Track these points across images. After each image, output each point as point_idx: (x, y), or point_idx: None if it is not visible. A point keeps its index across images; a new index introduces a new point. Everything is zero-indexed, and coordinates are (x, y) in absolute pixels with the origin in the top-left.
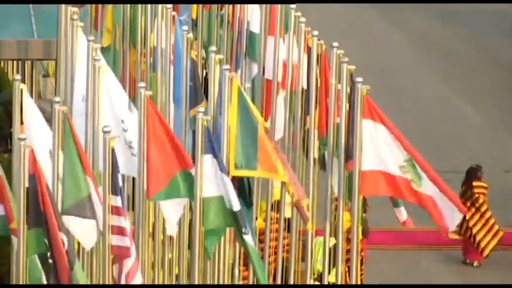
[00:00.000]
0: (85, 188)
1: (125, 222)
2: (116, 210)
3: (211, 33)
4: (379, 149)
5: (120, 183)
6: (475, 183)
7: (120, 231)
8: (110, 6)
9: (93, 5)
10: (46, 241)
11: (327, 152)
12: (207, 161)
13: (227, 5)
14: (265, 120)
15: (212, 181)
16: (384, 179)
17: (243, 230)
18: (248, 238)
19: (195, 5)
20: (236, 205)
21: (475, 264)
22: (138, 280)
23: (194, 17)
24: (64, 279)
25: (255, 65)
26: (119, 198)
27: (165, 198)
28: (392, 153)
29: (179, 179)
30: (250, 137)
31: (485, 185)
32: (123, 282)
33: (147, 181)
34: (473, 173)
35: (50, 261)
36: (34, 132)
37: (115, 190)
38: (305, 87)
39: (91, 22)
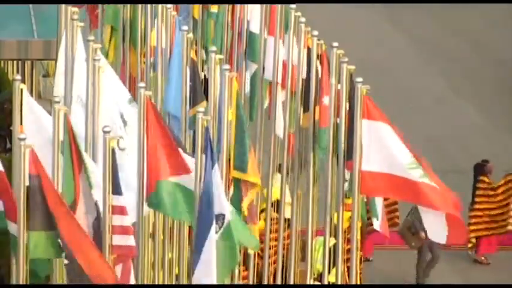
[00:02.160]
0: (73, 191)
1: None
2: (119, 210)
3: (210, 33)
4: (383, 150)
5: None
6: (480, 178)
7: (123, 230)
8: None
9: (93, 5)
10: (60, 243)
11: (325, 154)
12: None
13: (227, 5)
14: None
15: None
16: (385, 181)
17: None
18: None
19: (196, 5)
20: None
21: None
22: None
23: (196, 16)
24: (93, 273)
25: (254, 65)
26: (121, 197)
27: (151, 206)
28: (399, 152)
29: (165, 188)
30: (244, 138)
31: (487, 180)
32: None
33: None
34: (477, 169)
35: (66, 261)
36: (34, 132)
37: (117, 190)
38: (305, 87)
39: (90, 22)
